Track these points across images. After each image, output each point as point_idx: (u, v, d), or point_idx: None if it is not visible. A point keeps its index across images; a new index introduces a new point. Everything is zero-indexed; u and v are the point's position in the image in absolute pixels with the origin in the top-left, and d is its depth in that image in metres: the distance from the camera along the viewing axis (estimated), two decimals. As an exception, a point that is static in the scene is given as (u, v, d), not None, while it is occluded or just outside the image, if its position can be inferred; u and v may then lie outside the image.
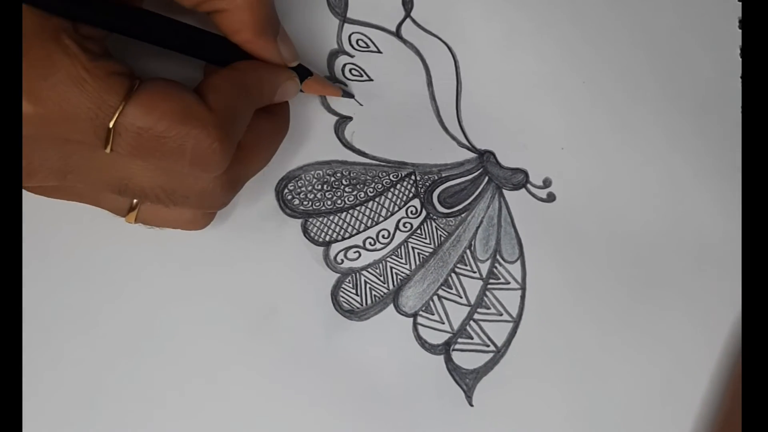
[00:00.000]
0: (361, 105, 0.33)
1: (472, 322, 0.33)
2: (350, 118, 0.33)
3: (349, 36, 0.33)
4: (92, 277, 0.30)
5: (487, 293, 0.33)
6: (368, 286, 0.32)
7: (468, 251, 0.33)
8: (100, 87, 0.23)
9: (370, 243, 0.32)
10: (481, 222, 0.33)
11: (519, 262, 0.34)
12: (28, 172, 0.25)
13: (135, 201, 0.28)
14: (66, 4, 0.23)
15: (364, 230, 0.32)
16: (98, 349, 0.30)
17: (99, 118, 0.23)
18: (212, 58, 0.28)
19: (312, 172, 0.32)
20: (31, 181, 0.26)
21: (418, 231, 0.33)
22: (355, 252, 0.32)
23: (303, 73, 0.30)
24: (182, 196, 0.27)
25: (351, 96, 0.32)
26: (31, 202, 0.28)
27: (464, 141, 0.34)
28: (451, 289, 0.33)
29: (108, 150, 0.24)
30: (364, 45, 0.33)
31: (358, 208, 0.32)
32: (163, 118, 0.24)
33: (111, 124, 0.23)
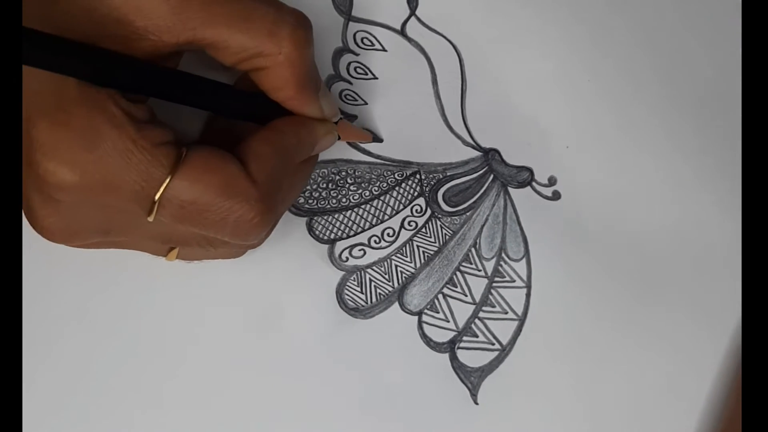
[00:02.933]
0: (366, 103, 0.33)
1: (477, 321, 0.33)
2: (355, 117, 0.33)
3: (354, 34, 0.33)
4: (94, 276, 0.30)
5: (492, 291, 0.33)
6: (373, 284, 0.32)
7: (473, 249, 0.33)
8: (147, 160, 0.23)
9: (375, 241, 0.32)
10: (486, 220, 0.33)
11: (524, 260, 0.33)
12: (70, 234, 0.25)
13: None
14: (99, 72, 0.23)
15: (369, 228, 0.32)
16: (100, 346, 0.30)
17: (144, 191, 0.23)
18: (251, 118, 0.28)
19: (317, 171, 0.32)
20: (73, 242, 0.26)
21: (423, 229, 0.33)
22: (360, 250, 0.32)
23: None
24: (222, 241, 0.26)
25: (380, 141, 0.32)
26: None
27: (469, 139, 0.34)
28: (456, 287, 0.33)
29: (152, 219, 0.24)
30: (369, 43, 0.33)
31: (363, 206, 0.32)
32: (206, 192, 0.24)
33: (156, 197, 0.23)
